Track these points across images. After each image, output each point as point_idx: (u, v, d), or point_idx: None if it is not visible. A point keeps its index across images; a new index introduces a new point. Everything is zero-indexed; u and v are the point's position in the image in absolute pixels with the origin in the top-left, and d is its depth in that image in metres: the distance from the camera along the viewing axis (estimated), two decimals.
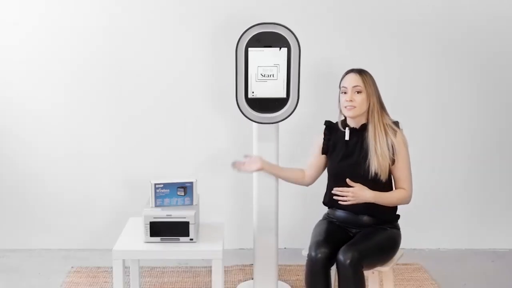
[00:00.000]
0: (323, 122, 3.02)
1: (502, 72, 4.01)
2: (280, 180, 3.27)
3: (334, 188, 2.83)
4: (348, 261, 2.62)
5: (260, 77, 3.10)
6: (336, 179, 2.87)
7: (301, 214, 4.04)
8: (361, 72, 2.87)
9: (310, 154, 3.06)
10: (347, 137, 2.90)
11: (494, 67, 4.00)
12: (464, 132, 4.08)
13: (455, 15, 3.92)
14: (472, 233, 4.18)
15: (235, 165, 3.07)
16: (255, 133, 3.24)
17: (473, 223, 4.18)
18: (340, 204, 2.87)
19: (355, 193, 2.77)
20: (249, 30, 3.05)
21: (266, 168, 3.04)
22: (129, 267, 3.23)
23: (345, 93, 2.86)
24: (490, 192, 4.16)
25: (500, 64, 4.00)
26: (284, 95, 3.12)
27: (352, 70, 2.90)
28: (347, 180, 2.79)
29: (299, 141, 3.89)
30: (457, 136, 4.08)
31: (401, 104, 3.95)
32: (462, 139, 4.09)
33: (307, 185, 3.09)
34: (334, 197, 2.83)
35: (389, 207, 2.86)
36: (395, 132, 2.84)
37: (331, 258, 2.71)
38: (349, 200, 2.78)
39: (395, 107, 3.80)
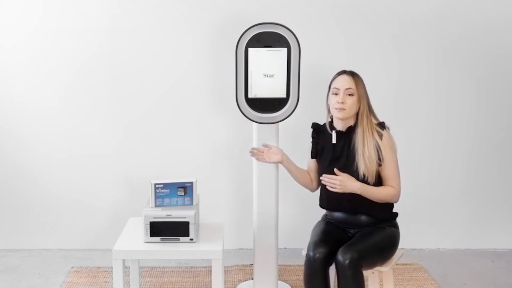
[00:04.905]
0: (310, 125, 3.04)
1: (502, 72, 4.01)
2: (279, 180, 3.27)
3: (323, 175, 2.83)
4: (347, 261, 2.62)
5: (260, 77, 3.10)
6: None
7: (301, 214, 4.04)
8: (353, 75, 2.87)
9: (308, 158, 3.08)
10: (334, 141, 2.90)
11: (494, 67, 4.00)
12: (464, 132, 4.08)
13: (455, 15, 3.92)
14: (472, 233, 4.18)
15: (253, 152, 3.11)
16: (255, 133, 3.24)
17: (473, 223, 4.18)
18: (337, 207, 2.89)
19: (343, 181, 2.78)
20: (249, 30, 3.05)
21: (285, 162, 3.08)
22: (129, 267, 3.23)
23: (336, 94, 2.86)
24: (490, 192, 4.16)
25: (500, 64, 3.99)
26: (284, 95, 3.12)
27: (344, 72, 2.89)
28: (335, 169, 2.80)
29: (299, 142, 3.88)
30: (457, 136, 4.08)
31: (401, 104, 3.95)
32: (462, 139, 4.08)
33: (314, 189, 3.09)
34: (322, 182, 2.84)
35: (384, 205, 2.86)
36: (380, 135, 2.83)
37: (329, 258, 2.72)
38: (335, 188, 2.78)
39: (395, 107, 3.79)
